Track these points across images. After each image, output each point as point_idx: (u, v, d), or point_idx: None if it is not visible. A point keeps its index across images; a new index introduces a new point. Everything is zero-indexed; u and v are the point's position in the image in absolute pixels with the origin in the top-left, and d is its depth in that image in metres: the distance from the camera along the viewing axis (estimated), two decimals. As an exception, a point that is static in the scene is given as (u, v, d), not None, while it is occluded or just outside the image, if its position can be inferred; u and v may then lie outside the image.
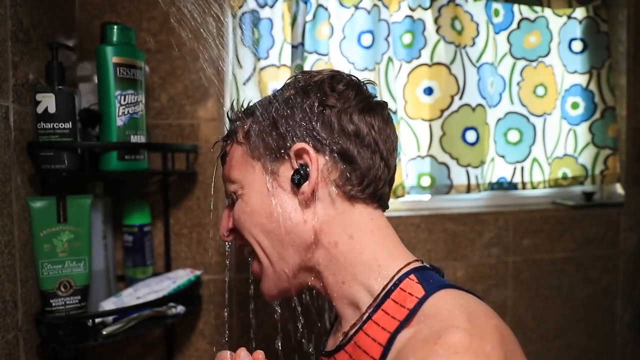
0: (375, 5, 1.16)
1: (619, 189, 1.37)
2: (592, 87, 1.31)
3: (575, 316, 1.29)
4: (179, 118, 1.06)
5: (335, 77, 0.58)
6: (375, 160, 0.56)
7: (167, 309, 0.92)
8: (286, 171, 0.55)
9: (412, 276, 0.52)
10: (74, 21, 1.00)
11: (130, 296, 0.90)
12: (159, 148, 0.98)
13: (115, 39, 0.85)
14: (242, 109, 0.62)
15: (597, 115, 1.31)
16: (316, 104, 0.55)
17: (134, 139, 0.87)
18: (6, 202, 0.71)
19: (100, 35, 0.86)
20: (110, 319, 0.86)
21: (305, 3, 1.10)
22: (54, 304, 0.79)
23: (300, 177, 0.54)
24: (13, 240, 0.72)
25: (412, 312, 0.48)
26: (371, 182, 0.56)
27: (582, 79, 1.31)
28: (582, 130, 1.32)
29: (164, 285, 0.93)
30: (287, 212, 0.55)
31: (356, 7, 1.17)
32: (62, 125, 0.79)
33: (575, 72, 1.31)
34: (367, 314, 0.52)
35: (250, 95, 1.13)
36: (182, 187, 1.07)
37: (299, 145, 0.54)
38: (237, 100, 0.64)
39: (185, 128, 1.06)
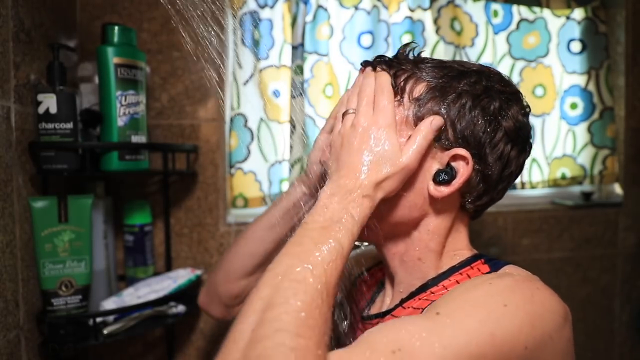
0: (375, 6, 1.16)
1: (617, 189, 1.37)
2: (591, 87, 1.31)
3: (574, 316, 1.27)
4: (179, 118, 1.06)
5: (520, 99, 0.57)
6: (502, 194, 0.58)
7: (167, 309, 0.92)
8: (433, 161, 0.54)
9: (481, 260, 0.57)
10: (75, 22, 1.01)
11: (131, 296, 0.90)
12: (160, 148, 0.99)
13: (116, 39, 0.85)
14: (415, 59, 0.58)
15: (595, 115, 1.32)
16: (498, 122, 0.54)
17: (134, 139, 0.87)
18: (8, 202, 0.71)
19: (101, 35, 0.86)
20: (111, 318, 0.87)
21: (305, 4, 1.11)
22: (55, 304, 0.79)
23: (446, 177, 0.53)
24: (14, 240, 0.73)
25: None
26: (487, 207, 0.59)
27: (581, 80, 1.31)
28: (581, 130, 1.32)
29: (164, 285, 0.94)
30: (411, 191, 0.54)
31: (356, 8, 1.17)
32: (63, 126, 0.79)
33: (574, 72, 1.31)
34: (429, 283, 0.56)
35: (251, 95, 1.13)
36: (183, 187, 1.07)
37: (464, 152, 0.53)
38: (409, 44, 0.59)
39: (185, 128, 1.07)
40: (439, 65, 0.56)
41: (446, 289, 0.54)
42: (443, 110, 0.53)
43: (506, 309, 0.44)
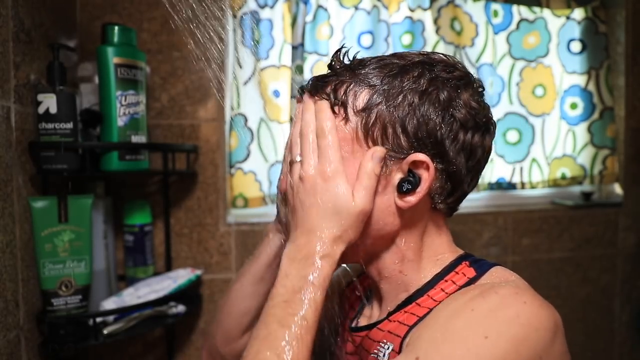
0: (375, 6, 1.16)
1: (617, 189, 1.37)
2: (591, 87, 1.31)
3: (574, 316, 1.29)
4: (179, 118, 1.06)
5: (470, 82, 0.53)
6: (474, 183, 0.55)
7: (167, 309, 0.92)
8: (395, 173, 0.51)
9: (466, 262, 0.55)
10: (75, 22, 1.01)
11: (131, 296, 0.90)
12: (160, 148, 0.99)
13: (116, 39, 0.85)
14: (351, 64, 0.53)
15: (595, 115, 1.32)
16: (451, 114, 0.51)
17: (134, 139, 0.87)
18: (8, 202, 0.71)
19: (101, 35, 0.86)
20: (111, 318, 0.87)
21: (305, 4, 1.11)
22: (55, 304, 0.79)
23: (409, 187, 0.51)
24: (14, 240, 0.73)
25: (461, 288, 0.51)
26: (460, 201, 0.56)
27: (581, 80, 1.31)
28: (581, 130, 1.32)
29: (164, 285, 0.94)
30: (380, 212, 0.52)
31: (356, 8, 1.17)
32: (63, 126, 0.79)
33: (574, 72, 1.31)
34: (415, 294, 0.54)
35: (251, 95, 1.13)
36: (183, 187, 1.07)
37: (422, 157, 0.50)
38: (342, 50, 0.55)
39: (185, 128, 1.07)
40: (379, 65, 0.52)
41: (432, 298, 0.52)
42: (390, 117, 0.50)
43: (487, 341, 0.42)
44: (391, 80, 0.51)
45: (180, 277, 0.97)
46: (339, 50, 0.55)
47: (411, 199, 0.51)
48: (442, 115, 0.50)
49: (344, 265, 0.73)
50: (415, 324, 0.50)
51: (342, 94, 0.52)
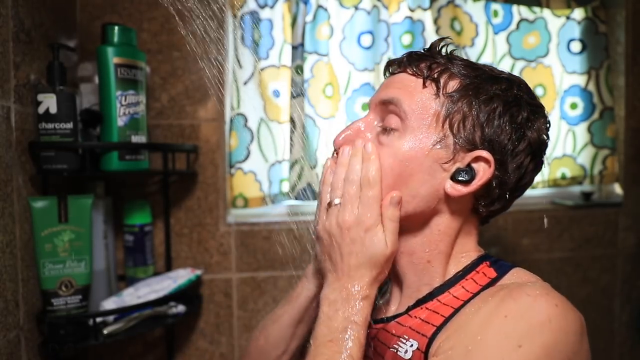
0: (375, 6, 1.16)
1: (617, 189, 1.37)
2: (591, 87, 1.31)
3: (574, 316, 1.29)
4: (179, 118, 1.06)
5: (545, 114, 0.57)
6: (512, 202, 0.58)
7: (167, 309, 0.92)
8: (455, 162, 0.53)
9: (487, 262, 0.57)
10: (75, 22, 1.01)
11: (131, 295, 0.90)
12: (160, 148, 0.99)
13: (116, 39, 0.85)
14: (448, 54, 0.57)
15: (595, 115, 1.32)
16: (524, 133, 0.54)
17: (134, 139, 0.87)
18: (8, 202, 0.71)
19: (101, 35, 0.86)
20: (111, 318, 0.87)
21: (305, 4, 1.11)
22: (55, 304, 0.79)
23: (465, 177, 0.53)
24: (14, 240, 0.73)
25: (484, 288, 0.52)
26: (496, 214, 0.59)
27: (581, 80, 1.31)
28: (581, 130, 1.32)
29: (164, 285, 0.94)
30: (426, 186, 0.53)
31: (356, 8, 1.17)
32: (63, 126, 0.79)
33: (574, 72, 1.31)
34: (436, 290, 0.55)
35: (251, 95, 1.13)
36: (183, 187, 1.07)
37: (488, 155, 0.52)
38: (442, 40, 0.58)
39: (185, 128, 1.07)
40: (471, 65, 0.56)
41: (453, 295, 0.54)
42: (474, 112, 0.53)
43: (521, 350, 0.43)
44: (481, 82, 0.54)
45: (180, 277, 0.98)
46: (441, 39, 0.58)
47: (462, 189, 0.53)
48: (516, 129, 0.54)
49: None
50: (443, 324, 0.51)
51: (435, 72, 0.54)
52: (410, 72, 0.56)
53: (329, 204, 0.55)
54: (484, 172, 0.53)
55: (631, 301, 1.34)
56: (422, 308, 0.55)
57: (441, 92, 0.53)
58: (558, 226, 1.28)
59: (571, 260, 1.30)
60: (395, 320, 0.57)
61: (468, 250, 0.58)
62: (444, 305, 0.53)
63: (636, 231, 1.33)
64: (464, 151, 0.53)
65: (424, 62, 0.55)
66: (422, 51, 0.58)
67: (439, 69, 0.54)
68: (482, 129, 0.53)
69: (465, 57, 0.59)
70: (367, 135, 0.57)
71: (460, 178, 0.53)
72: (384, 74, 0.61)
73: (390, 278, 0.63)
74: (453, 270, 0.56)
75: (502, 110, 0.53)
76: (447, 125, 0.53)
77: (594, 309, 1.31)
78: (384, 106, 0.56)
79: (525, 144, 0.54)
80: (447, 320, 0.51)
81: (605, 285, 1.32)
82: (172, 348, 1.06)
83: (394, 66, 0.58)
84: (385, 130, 0.55)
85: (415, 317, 0.54)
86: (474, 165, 0.53)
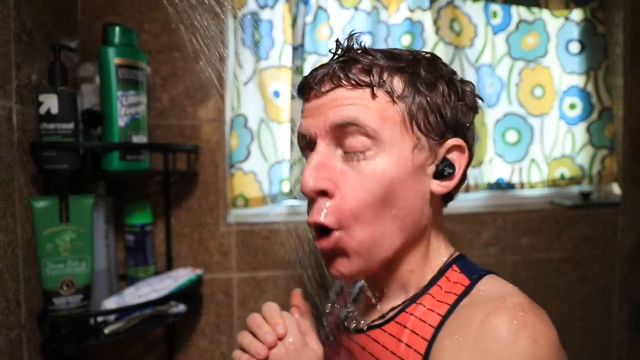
0: (374, 7, 1.17)
1: (616, 189, 1.38)
2: (590, 88, 1.32)
3: (573, 315, 1.30)
4: (180, 118, 1.07)
5: (456, 73, 0.56)
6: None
7: (168, 308, 0.93)
8: (429, 160, 0.52)
9: (454, 266, 0.55)
10: (76, 23, 1.01)
11: (132, 295, 0.90)
12: (160, 148, 0.99)
13: (117, 40, 0.86)
14: (376, 52, 0.52)
15: (594, 115, 1.32)
16: (465, 103, 0.53)
17: (135, 139, 0.88)
18: (9, 202, 0.71)
19: (102, 36, 0.87)
20: (112, 317, 0.87)
21: (305, 4, 1.11)
22: (56, 303, 0.80)
23: (450, 171, 0.52)
24: (16, 240, 0.73)
25: (460, 298, 0.50)
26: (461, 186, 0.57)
27: (580, 80, 1.32)
28: (580, 130, 1.33)
29: (165, 284, 0.94)
30: (417, 196, 0.51)
31: (356, 9, 1.17)
32: (64, 126, 0.79)
33: (572, 73, 1.32)
34: (414, 297, 0.54)
35: (251, 96, 1.14)
36: (183, 187, 1.08)
37: (458, 141, 0.51)
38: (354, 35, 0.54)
39: (186, 128, 1.07)
40: (392, 53, 0.53)
41: (430, 295, 0.53)
42: (430, 103, 0.51)
43: None
44: (415, 68, 0.52)
45: (181, 276, 0.98)
46: (349, 38, 0.54)
47: (449, 183, 0.52)
48: (462, 102, 0.53)
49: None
50: (434, 336, 0.49)
51: (376, 76, 0.50)
52: (349, 86, 0.51)
53: None
54: (460, 158, 0.52)
55: (629, 301, 1.34)
56: (405, 313, 0.53)
57: (394, 96, 0.50)
58: (557, 226, 1.29)
59: (570, 260, 1.30)
60: (380, 328, 0.55)
61: (438, 247, 0.56)
62: (421, 322, 0.51)
63: (635, 231, 1.33)
64: (437, 146, 0.52)
65: (354, 68, 0.51)
66: (341, 58, 0.53)
67: (376, 71, 0.51)
68: (443, 117, 0.51)
69: (384, 48, 0.55)
70: (337, 166, 0.52)
71: (446, 173, 0.52)
72: (304, 98, 0.55)
73: (363, 290, 0.61)
74: (429, 274, 0.55)
75: (446, 90, 0.52)
76: (415, 128, 0.50)
77: (593, 308, 1.32)
78: (340, 130, 0.50)
79: (471, 112, 0.54)
80: (438, 330, 0.49)
81: (603, 285, 1.33)
82: (172, 347, 1.07)
83: (323, 85, 0.52)
84: (351, 155, 0.51)
85: (400, 323, 0.53)
86: (449, 156, 0.52)
